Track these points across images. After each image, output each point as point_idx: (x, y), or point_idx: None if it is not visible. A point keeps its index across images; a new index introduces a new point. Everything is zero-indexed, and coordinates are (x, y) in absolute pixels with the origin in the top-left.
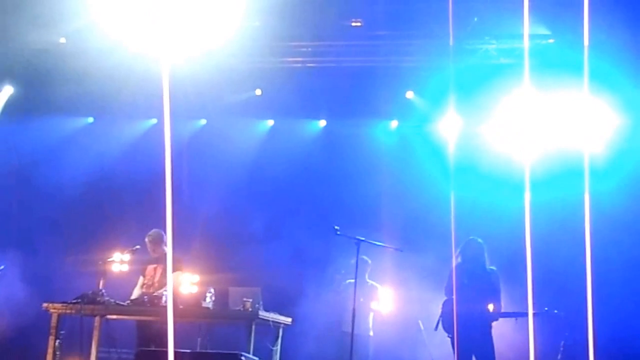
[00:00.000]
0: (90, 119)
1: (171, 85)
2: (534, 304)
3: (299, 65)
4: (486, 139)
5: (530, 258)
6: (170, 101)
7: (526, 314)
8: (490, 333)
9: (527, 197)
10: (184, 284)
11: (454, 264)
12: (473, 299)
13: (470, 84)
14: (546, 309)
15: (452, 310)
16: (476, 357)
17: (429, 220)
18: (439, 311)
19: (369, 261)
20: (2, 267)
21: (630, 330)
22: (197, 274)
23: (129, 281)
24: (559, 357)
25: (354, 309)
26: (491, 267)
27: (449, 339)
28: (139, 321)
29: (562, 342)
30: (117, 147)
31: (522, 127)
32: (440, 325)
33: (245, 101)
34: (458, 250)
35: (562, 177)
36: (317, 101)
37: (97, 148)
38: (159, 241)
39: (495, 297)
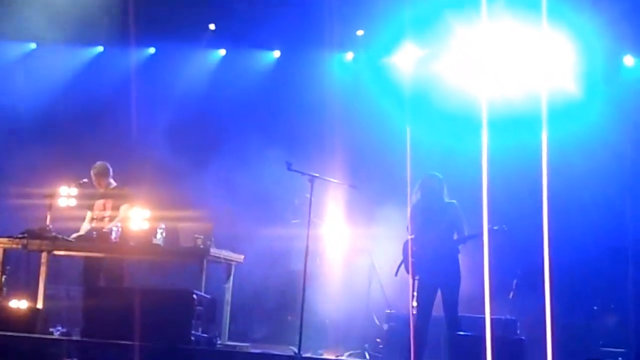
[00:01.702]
0: (33, 45)
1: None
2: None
3: None
4: (443, 73)
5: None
6: (117, 27)
7: (470, 237)
8: (457, 263)
9: (485, 133)
10: (134, 219)
11: (409, 201)
12: (435, 234)
13: (428, 14)
14: (495, 227)
15: (417, 249)
16: (442, 291)
17: (384, 156)
18: (400, 253)
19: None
20: None
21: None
22: (148, 209)
23: (77, 216)
24: (511, 295)
25: (306, 248)
26: (451, 201)
27: (415, 280)
28: (87, 257)
29: (515, 281)
30: (63, 75)
31: (480, 61)
32: (402, 269)
33: (196, 30)
34: (417, 185)
35: (521, 115)
36: (271, 31)
37: (41, 76)
38: (105, 174)
39: (458, 228)
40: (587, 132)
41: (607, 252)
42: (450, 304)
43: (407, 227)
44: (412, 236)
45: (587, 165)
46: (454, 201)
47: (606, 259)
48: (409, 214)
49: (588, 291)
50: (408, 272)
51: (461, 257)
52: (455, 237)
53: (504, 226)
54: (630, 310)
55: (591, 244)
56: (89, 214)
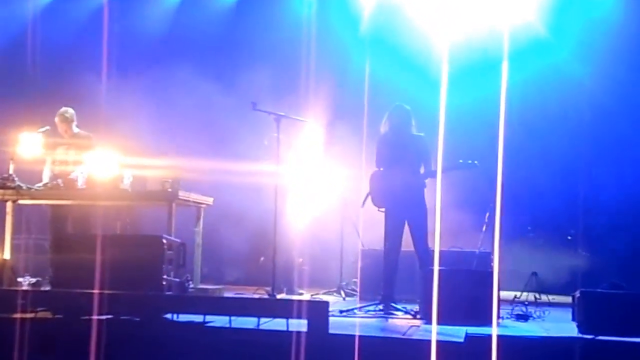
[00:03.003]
0: None
1: None
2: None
3: None
4: (405, 8)
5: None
6: None
7: (449, 168)
8: (423, 196)
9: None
10: (101, 165)
11: (364, 134)
12: (402, 166)
13: None
14: (461, 161)
15: (383, 181)
16: (409, 224)
17: (347, 92)
18: (367, 185)
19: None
20: None
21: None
22: (114, 155)
23: (40, 164)
24: (484, 228)
25: (275, 190)
26: (419, 133)
27: (381, 212)
28: (54, 205)
29: (487, 214)
30: (19, 21)
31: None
32: (368, 201)
33: None
34: (385, 116)
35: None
36: None
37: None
38: (69, 120)
39: (425, 160)
40: (549, 68)
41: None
42: (419, 237)
43: (375, 159)
44: (381, 169)
45: (548, 104)
46: (422, 134)
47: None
48: (378, 146)
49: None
50: (375, 205)
51: (427, 191)
52: (422, 170)
53: (475, 161)
54: None
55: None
56: (49, 159)
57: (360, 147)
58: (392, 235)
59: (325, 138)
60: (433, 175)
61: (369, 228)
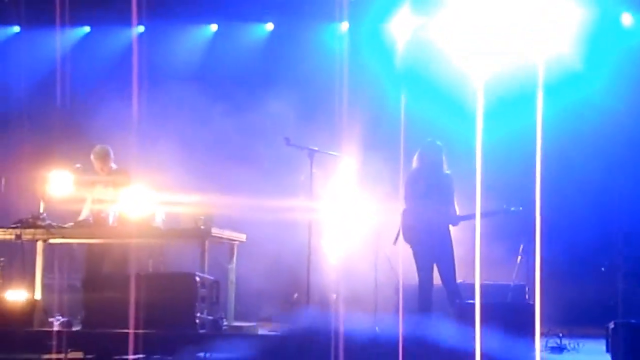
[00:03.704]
0: (17, 29)
1: None
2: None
3: None
4: (440, 41)
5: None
6: (104, 7)
7: (484, 214)
8: (449, 238)
9: (480, 100)
10: (134, 202)
11: (402, 170)
12: (432, 205)
13: None
14: (505, 206)
15: (411, 219)
16: (437, 264)
17: (381, 126)
18: (399, 221)
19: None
20: None
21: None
22: (148, 193)
23: (71, 202)
24: (518, 260)
25: (309, 225)
26: (447, 171)
27: (411, 249)
28: (89, 244)
29: (521, 246)
30: (51, 57)
31: (476, 28)
32: (400, 237)
33: (186, 7)
34: (417, 152)
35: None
36: (263, 2)
37: (28, 59)
38: (106, 158)
39: (451, 201)
40: (585, 99)
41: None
42: (447, 277)
43: (404, 195)
44: (405, 206)
45: (584, 136)
46: (449, 172)
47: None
48: (408, 182)
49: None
50: (405, 241)
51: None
52: (451, 210)
53: (520, 208)
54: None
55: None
56: (88, 197)
57: (393, 181)
58: (423, 271)
59: (359, 172)
60: (464, 219)
61: (402, 262)
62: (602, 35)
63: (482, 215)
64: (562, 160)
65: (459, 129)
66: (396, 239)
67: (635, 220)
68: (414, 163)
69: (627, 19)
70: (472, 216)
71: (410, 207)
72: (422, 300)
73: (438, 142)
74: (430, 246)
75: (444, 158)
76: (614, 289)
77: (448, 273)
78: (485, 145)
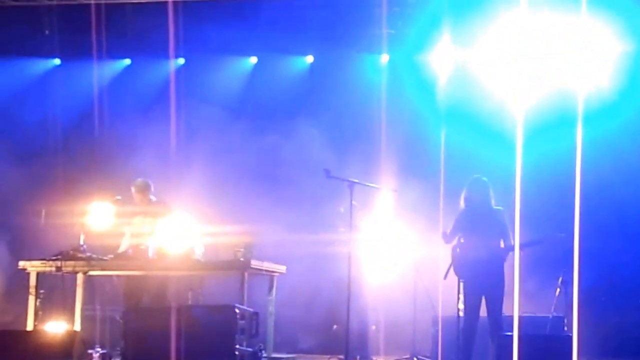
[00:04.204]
0: (57, 61)
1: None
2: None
3: None
4: (480, 71)
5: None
6: (145, 41)
7: (529, 244)
8: (502, 270)
9: (520, 131)
10: (173, 234)
11: (441, 204)
12: (481, 240)
13: (463, 11)
14: (547, 233)
15: (462, 255)
16: (486, 298)
17: (426, 158)
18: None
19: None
20: None
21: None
22: (187, 224)
23: (111, 234)
24: (557, 292)
25: (349, 257)
26: (498, 207)
27: (461, 282)
28: (129, 276)
29: (560, 277)
30: (90, 89)
31: (517, 59)
32: (450, 272)
33: (226, 39)
34: (464, 189)
35: (559, 115)
36: (304, 35)
37: (66, 92)
38: (146, 190)
39: (504, 235)
40: (623, 131)
41: None
42: (493, 310)
43: (448, 231)
44: (461, 240)
45: (621, 165)
46: (501, 208)
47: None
48: (458, 219)
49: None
50: (456, 276)
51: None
52: (502, 244)
53: (562, 234)
54: None
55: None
56: (128, 230)
57: (432, 214)
58: (471, 306)
59: (397, 204)
60: (511, 250)
61: (442, 294)
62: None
63: (527, 244)
64: (601, 189)
65: (498, 159)
66: (446, 273)
67: None
68: (462, 201)
69: None
70: (530, 243)
71: (461, 243)
72: (466, 333)
73: (484, 178)
74: (482, 280)
75: (491, 193)
76: None
77: (495, 306)
78: (525, 175)
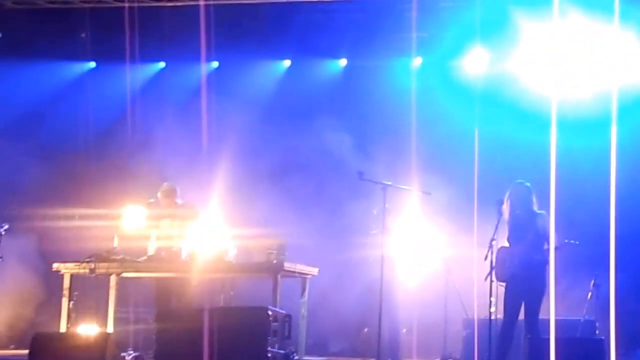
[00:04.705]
0: (93, 64)
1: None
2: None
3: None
4: (513, 75)
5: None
6: (179, 44)
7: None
8: (544, 274)
9: (553, 135)
10: (205, 236)
11: (475, 206)
12: (524, 245)
13: (496, 15)
14: (566, 240)
15: (507, 259)
16: (525, 302)
17: (458, 160)
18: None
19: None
20: (6, 226)
21: None
22: (219, 225)
23: (145, 237)
24: (589, 296)
25: (381, 259)
26: (540, 211)
27: (500, 286)
28: (158, 278)
29: (592, 281)
30: (124, 93)
31: (550, 61)
32: (492, 276)
33: (259, 42)
34: (506, 194)
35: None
36: (337, 39)
37: (101, 94)
38: (172, 195)
39: (547, 239)
40: None
41: None
42: (532, 313)
43: (494, 235)
44: (506, 245)
45: None
46: (543, 212)
47: None
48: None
49: None
50: (497, 279)
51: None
52: (545, 247)
53: (576, 242)
54: None
55: None
56: (154, 233)
57: (462, 215)
58: (511, 311)
59: (430, 206)
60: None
61: (472, 296)
62: None
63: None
64: (635, 193)
65: (531, 162)
66: (488, 275)
67: None
68: (505, 206)
69: None
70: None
71: (506, 248)
72: (503, 336)
73: (527, 183)
74: (525, 286)
75: (534, 198)
76: None
77: (533, 310)
78: (559, 177)
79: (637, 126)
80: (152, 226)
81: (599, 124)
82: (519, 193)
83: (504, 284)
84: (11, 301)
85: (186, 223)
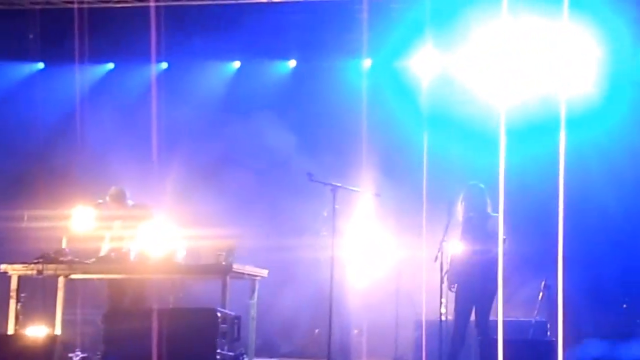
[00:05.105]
0: (41, 65)
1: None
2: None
3: (265, 0)
4: (462, 77)
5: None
6: (128, 45)
7: None
8: (495, 279)
9: (502, 139)
10: (154, 237)
11: (425, 208)
12: (478, 247)
13: (446, 16)
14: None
15: (459, 261)
16: (476, 304)
17: (408, 162)
18: (423, 259)
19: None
20: None
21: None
22: (168, 226)
23: (93, 238)
24: (540, 296)
25: (331, 261)
26: (494, 214)
27: (452, 288)
28: (110, 280)
29: (543, 282)
30: (71, 94)
31: (499, 64)
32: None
33: (208, 43)
34: (460, 197)
35: (540, 120)
36: (287, 40)
37: (49, 95)
38: (121, 199)
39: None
40: (607, 136)
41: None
42: (483, 314)
43: (443, 237)
44: (459, 246)
45: (605, 170)
46: (496, 214)
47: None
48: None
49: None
50: (451, 283)
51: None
52: (496, 249)
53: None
54: None
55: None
56: (107, 235)
57: (414, 217)
58: (463, 312)
59: (380, 208)
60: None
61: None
62: (623, 72)
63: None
64: (585, 193)
65: (480, 163)
66: (444, 278)
67: None
68: (459, 207)
69: None
70: None
71: (459, 249)
72: (455, 338)
73: (481, 185)
74: (476, 287)
75: (488, 200)
76: (636, 327)
77: (483, 310)
78: (508, 179)
79: (586, 129)
80: (105, 227)
81: (549, 126)
82: (473, 194)
83: (453, 286)
84: None
85: (138, 224)
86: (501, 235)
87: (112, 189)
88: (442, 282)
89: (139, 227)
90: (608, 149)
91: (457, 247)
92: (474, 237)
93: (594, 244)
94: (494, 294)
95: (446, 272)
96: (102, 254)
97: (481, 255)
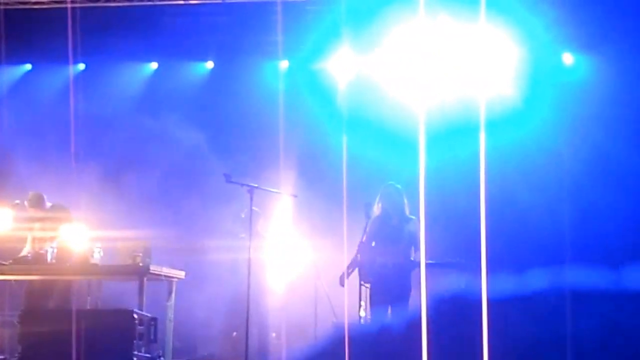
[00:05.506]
0: None
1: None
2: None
3: (182, 2)
4: (379, 78)
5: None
6: (46, 46)
7: (443, 264)
8: (409, 281)
9: (422, 141)
10: (73, 239)
11: (345, 210)
12: (393, 248)
13: (363, 17)
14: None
15: (370, 259)
16: (391, 304)
17: (326, 164)
18: (342, 261)
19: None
20: None
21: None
22: (86, 228)
23: (10, 239)
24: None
25: (249, 263)
26: (412, 216)
27: (366, 287)
28: (30, 281)
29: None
30: None
31: (417, 66)
32: (351, 277)
33: (126, 45)
34: (377, 196)
35: (459, 122)
36: (204, 42)
37: None
38: (39, 204)
39: (415, 244)
40: (527, 137)
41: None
42: (398, 316)
43: (362, 238)
44: (373, 244)
45: (526, 171)
46: (414, 217)
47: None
48: (368, 224)
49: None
50: (361, 279)
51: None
52: (413, 254)
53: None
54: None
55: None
56: (29, 236)
57: (332, 218)
58: (378, 312)
59: (298, 209)
60: (418, 266)
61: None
62: (543, 74)
63: (431, 265)
64: (504, 196)
65: (399, 165)
66: (347, 276)
67: (581, 256)
68: (376, 207)
69: (567, 59)
70: (436, 265)
71: (371, 247)
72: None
73: (398, 186)
74: (388, 288)
75: (405, 201)
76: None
77: (398, 315)
78: (428, 182)
79: (506, 131)
80: (25, 229)
81: (469, 128)
82: (390, 195)
83: (368, 285)
84: None
85: (58, 226)
86: (423, 240)
87: (30, 194)
88: (360, 284)
89: (58, 229)
90: (528, 150)
91: (367, 246)
92: (391, 239)
93: (515, 246)
94: (408, 297)
95: (355, 266)
96: (22, 254)
97: (397, 258)
